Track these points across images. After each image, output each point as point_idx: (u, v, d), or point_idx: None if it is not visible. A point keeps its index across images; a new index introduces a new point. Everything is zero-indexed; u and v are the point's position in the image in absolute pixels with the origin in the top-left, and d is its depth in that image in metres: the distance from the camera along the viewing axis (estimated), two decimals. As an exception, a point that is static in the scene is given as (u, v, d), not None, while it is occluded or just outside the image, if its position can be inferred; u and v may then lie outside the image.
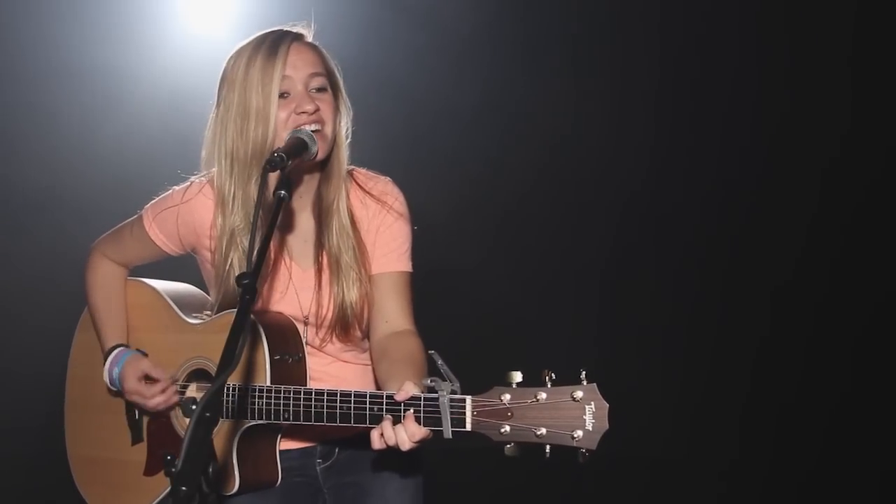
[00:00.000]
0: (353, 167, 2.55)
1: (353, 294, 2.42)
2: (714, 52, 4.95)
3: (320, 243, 2.46)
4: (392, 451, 2.06)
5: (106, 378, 2.57)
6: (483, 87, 4.95)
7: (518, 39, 5.01)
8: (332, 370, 2.50)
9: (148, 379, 2.49)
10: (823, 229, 4.98)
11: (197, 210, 2.49)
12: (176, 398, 2.49)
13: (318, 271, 2.46)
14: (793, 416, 4.99)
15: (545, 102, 5.00)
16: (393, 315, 2.43)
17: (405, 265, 2.50)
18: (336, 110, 2.42)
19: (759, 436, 4.99)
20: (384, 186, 2.53)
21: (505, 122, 5.01)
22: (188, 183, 2.53)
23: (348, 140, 2.49)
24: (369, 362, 2.53)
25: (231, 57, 2.41)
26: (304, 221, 2.49)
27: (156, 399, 2.46)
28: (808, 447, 4.95)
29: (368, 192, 2.50)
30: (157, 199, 2.58)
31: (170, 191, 2.56)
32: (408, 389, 2.05)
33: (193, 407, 1.57)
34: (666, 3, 5.01)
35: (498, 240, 5.05)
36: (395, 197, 2.52)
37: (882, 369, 5.00)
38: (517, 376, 1.99)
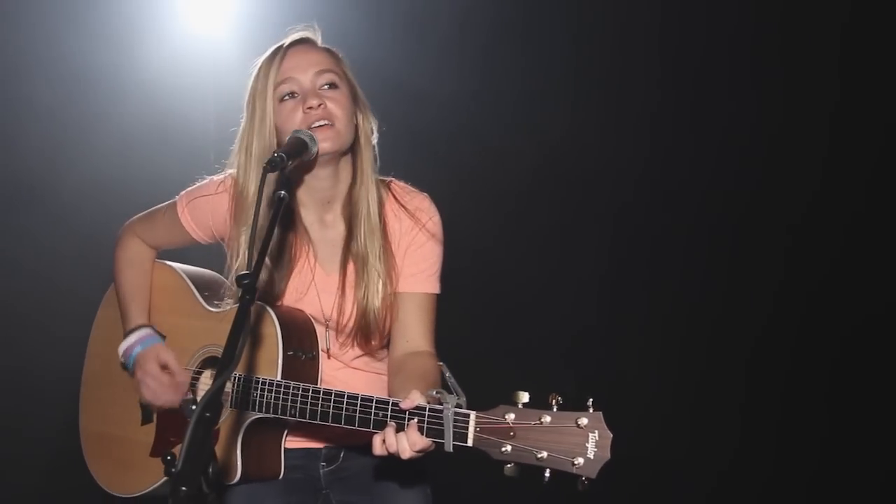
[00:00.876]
0: (391, 179, 2.55)
1: (376, 301, 2.42)
2: (714, 50, 4.83)
3: (348, 249, 2.45)
4: (397, 463, 2.06)
5: (121, 351, 2.58)
6: (483, 85, 4.86)
7: (519, 36, 4.92)
8: (342, 375, 2.51)
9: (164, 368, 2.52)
10: (824, 229, 4.87)
11: (228, 202, 2.51)
12: (179, 397, 2.50)
13: (343, 277, 2.46)
14: (792, 417, 4.91)
15: (546, 100, 4.92)
16: (414, 335, 2.44)
17: (432, 287, 2.49)
18: (352, 108, 2.41)
19: (759, 436, 4.91)
20: (420, 203, 2.52)
21: (505, 119, 4.92)
22: (224, 175, 2.56)
23: (375, 141, 2.49)
24: (381, 371, 2.54)
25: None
26: (333, 225, 2.50)
27: (167, 396, 2.49)
28: (808, 447, 4.87)
29: (404, 206, 2.49)
30: (193, 186, 2.61)
31: (206, 180, 2.59)
32: (413, 398, 2.04)
33: (193, 407, 1.58)
34: (665, 3, 4.93)
35: (499, 237, 4.96)
36: (429, 215, 2.50)
37: (882, 367, 4.90)
38: (524, 397, 1.97)
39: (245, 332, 1.75)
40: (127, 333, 2.60)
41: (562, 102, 4.92)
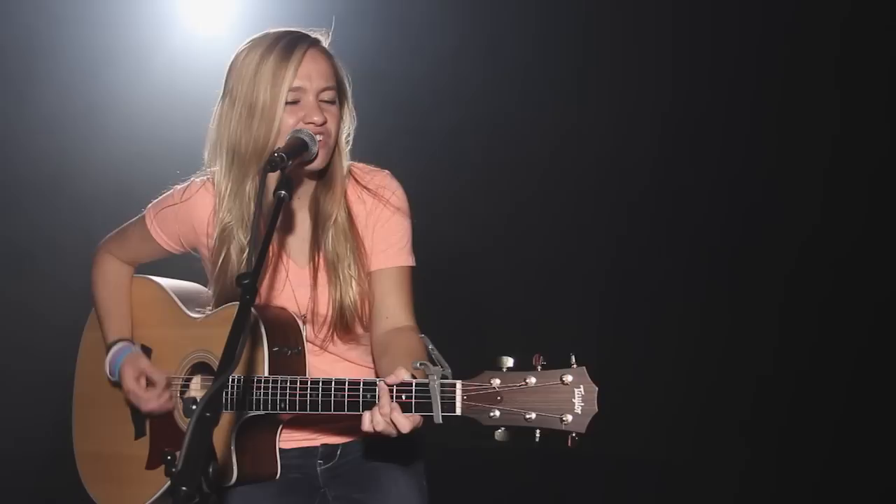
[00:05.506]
0: (350, 162, 2.49)
1: (351, 296, 2.37)
2: (718, 48, 4.82)
3: (316, 244, 2.41)
4: (393, 456, 2.10)
5: (107, 371, 2.55)
6: (486, 82, 4.83)
7: (521, 33, 4.89)
8: (338, 370, 2.46)
9: (148, 382, 2.47)
10: (830, 227, 4.84)
11: (195, 209, 2.47)
12: (171, 402, 2.46)
13: (314, 269, 2.41)
14: (801, 418, 4.85)
15: (550, 97, 4.89)
16: (393, 311, 2.38)
17: (405, 260, 2.44)
18: (340, 120, 2.37)
19: (767, 438, 4.86)
20: (381, 180, 2.47)
21: (510, 114, 4.88)
22: (188, 182, 2.51)
23: (349, 147, 2.45)
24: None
25: (243, 49, 2.34)
26: (301, 221, 2.45)
27: (151, 404, 2.44)
28: (817, 449, 4.81)
29: (365, 187, 2.44)
30: (159, 198, 2.56)
31: (171, 190, 2.54)
32: (399, 374, 2.01)
33: (193, 407, 1.54)
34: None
35: (501, 235, 4.90)
36: (392, 190, 2.45)
37: (889, 367, 4.86)
38: (508, 361, 1.95)
39: (245, 331, 1.72)
40: (107, 351, 2.56)
41: (567, 100, 4.89)
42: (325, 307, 2.39)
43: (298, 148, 2.18)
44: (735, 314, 4.94)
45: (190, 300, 2.58)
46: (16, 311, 4.39)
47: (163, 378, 2.45)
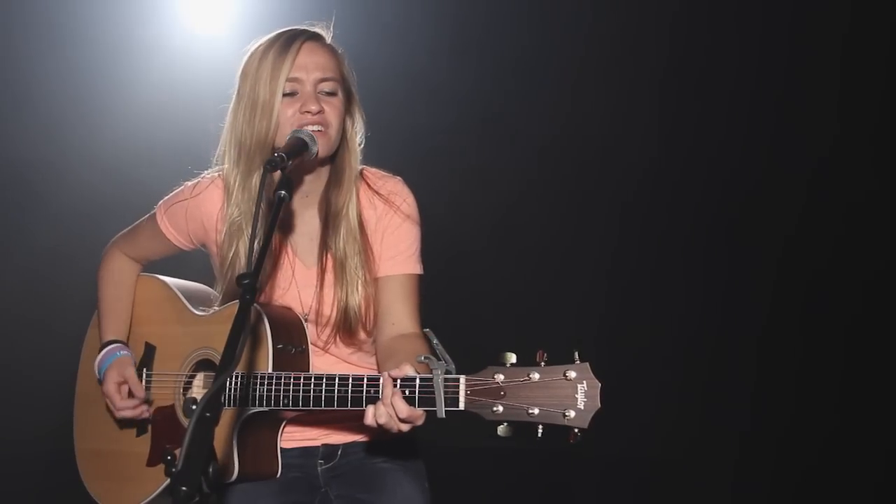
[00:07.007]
0: (363, 166, 2.48)
1: (356, 298, 2.36)
2: (715, 47, 4.78)
3: (325, 244, 2.39)
4: (394, 455, 2.09)
5: (95, 368, 2.54)
6: (486, 79, 4.79)
7: (520, 32, 4.85)
8: (339, 371, 2.38)
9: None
10: (828, 226, 4.80)
11: (204, 204, 2.46)
12: (146, 416, 2.47)
13: (321, 270, 2.40)
14: (795, 416, 4.80)
15: (546, 92, 4.85)
16: (400, 318, 2.36)
17: (413, 267, 2.42)
18: (344, 115, 2.35)
19: (761, 436, 4.82)
20: (393, 186, 2.45)
21: (506, 110, 4.85)
22: (198, 178, 2.50)
23: (361, 146, 2.43)
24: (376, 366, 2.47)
25: (250, 49, 2.37)
26: (310, 220, 2.43)
27: (124, 413, 2.46)
28: (812, 446, 4.76)
29: (377, 192, 2.43)
30: (169, 194, 2.56)
31: (181, 186, 2.54)
32: (403, 369, 2.00)
33: (194, 407, 1.52)
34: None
35: (503, 230, 4.86)
36: (403, 197, 2.43)
37: (884, 365, 4.82)
38: (511, 357, 1.93)
39: (246, 331, 1.70)
40: (101, 349, 2.55)
41: (564, 94, 4.84)
42: (329, 308, 2.38)
43: (298, 148, 2.17)
44: (733, 313, 4.91)
45: (195, 298, 2.56)
46: (16, 310, 4.36)
47: (142, 392, 2.46)
